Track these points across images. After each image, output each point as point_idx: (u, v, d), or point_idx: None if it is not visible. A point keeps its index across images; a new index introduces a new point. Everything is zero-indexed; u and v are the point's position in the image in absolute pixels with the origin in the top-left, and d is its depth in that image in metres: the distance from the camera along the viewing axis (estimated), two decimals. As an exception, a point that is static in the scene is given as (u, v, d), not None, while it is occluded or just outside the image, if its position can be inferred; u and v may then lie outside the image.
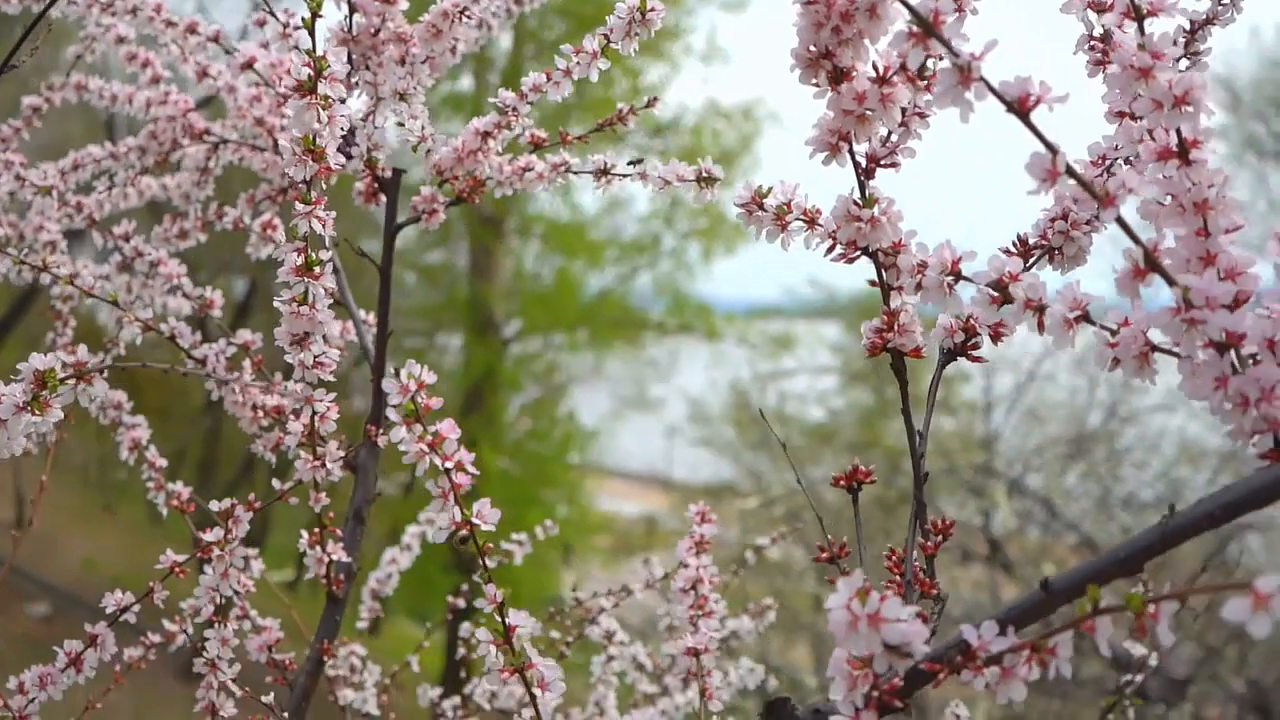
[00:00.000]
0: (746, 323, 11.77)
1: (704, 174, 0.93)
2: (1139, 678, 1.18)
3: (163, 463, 1.19)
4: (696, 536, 1.07)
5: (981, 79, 0.56)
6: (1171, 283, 0.56)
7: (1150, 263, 0.57)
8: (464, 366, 11.61)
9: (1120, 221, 0.56)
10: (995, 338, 0.76)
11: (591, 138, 1.08)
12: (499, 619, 0.71)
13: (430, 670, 9.19)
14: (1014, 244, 0.77)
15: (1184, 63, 0.79)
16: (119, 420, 1.21)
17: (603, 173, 1.02)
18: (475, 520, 0.69)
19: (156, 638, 1.17)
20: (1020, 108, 0.56)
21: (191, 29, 1.18)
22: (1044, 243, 0.77)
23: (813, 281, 10.49)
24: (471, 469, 0.68)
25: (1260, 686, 6.04)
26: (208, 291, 1.19)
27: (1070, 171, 0.56)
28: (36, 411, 0.74)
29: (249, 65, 1.09)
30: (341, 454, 0.99)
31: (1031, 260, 0.77)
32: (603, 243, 12.25)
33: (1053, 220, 0.76)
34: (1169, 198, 0.59)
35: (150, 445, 1.20)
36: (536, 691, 0.71)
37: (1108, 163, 0.77)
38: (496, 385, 11.57)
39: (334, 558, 1.06)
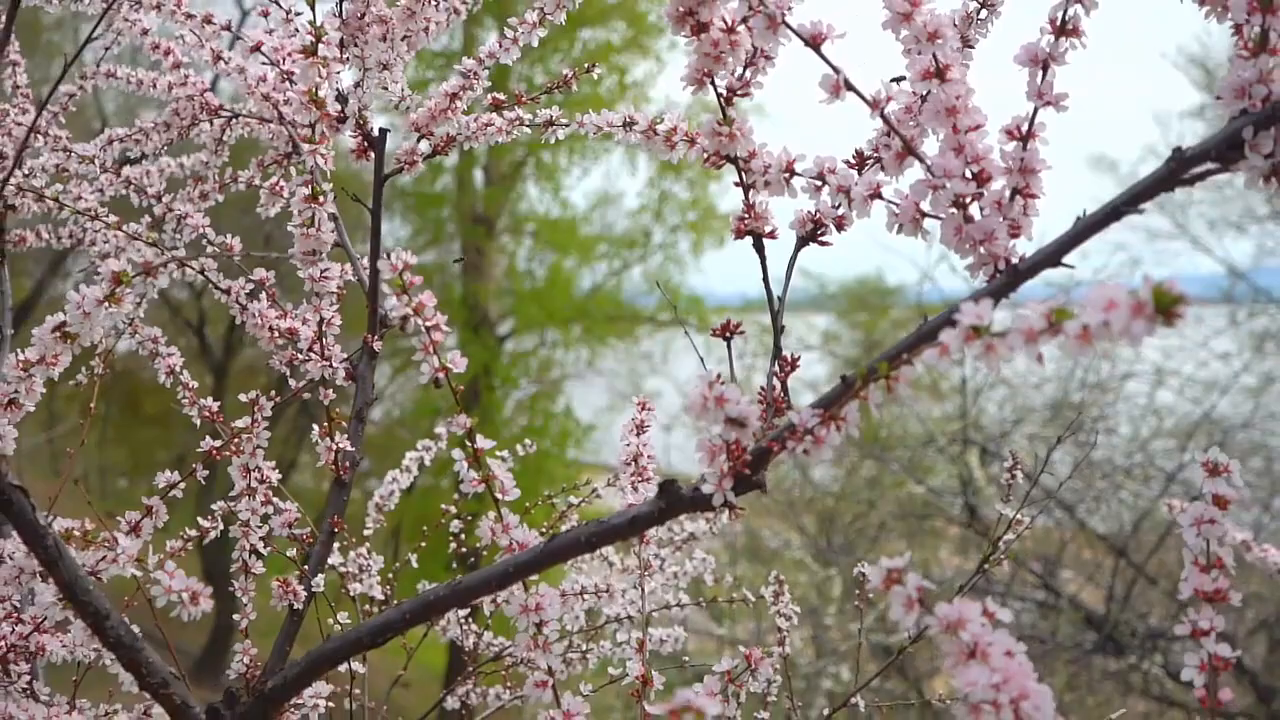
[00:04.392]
0: (738, 315, 11.98)
1: (627, 120, 1.17)
2: (1010, 537, 1.42)
3: (194, 384, 1.43)
4: (637, 420, 1.30)
5: (784, 23, 0.80)
6: (922, 161, 0.80)
7: (908, 149, 0.81)
8: (460, 364, 11.83)
9: (884, 118, 0.80)
10: (839, 227, 1.00)
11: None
12: (469, 443, 0.95)
13: (434, 666, 9.42)
14: (853, 155, 1.01)
15: (984, 11, 1.03)
16: (156, 351, 1.45)
17: (549, 124, 1.27)
18: (450, 365, 0.93)
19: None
20: (814, 42, 0.80)
21: (207, 20, 1.42)
22: (875, 154, 1.00)
23: (803, 273, 10.75)
24: (445, 328, 0.92)
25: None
26: (228, 238, 1.43)
27: (848, 85, 0.80)
28: (113, 304, 0.97)
29: (257, 48, 1.33)
30: (345, 355, 1.23)
31: (866, 168, 1.01)
32: (593, 238, 12.48)
33: (882, 136, 1.00)
34: (928, 104, 0.83)
35: (184, 370, 1.44)
36: (499, 495, 0.95)
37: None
38: (492, 382, 11.80)
39: (341, 447, 1.29)
